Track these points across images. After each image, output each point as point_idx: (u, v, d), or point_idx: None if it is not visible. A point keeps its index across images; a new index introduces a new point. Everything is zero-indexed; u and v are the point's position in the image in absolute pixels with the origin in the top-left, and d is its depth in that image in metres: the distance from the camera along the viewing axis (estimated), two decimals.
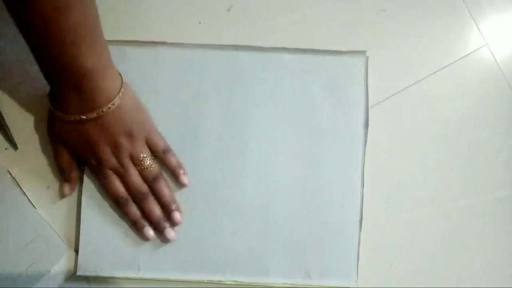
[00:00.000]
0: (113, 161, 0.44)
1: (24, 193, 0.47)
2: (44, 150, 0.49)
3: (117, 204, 0.46)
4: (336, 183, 0.49)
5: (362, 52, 0.50)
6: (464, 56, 0.53)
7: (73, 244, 0.48)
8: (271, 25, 0.51)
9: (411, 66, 0.52)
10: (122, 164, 0.44)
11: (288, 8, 0.52)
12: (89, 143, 0.43)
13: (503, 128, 0.52)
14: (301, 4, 0.52)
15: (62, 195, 0.48)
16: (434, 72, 0.52)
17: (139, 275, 0.47)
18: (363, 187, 0.49)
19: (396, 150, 0.51)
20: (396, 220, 0.50)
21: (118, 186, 0.45)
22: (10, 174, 0.48)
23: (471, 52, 0.53)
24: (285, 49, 0.50)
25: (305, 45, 0.50)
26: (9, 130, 0.48)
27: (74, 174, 0.47)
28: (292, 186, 0.49)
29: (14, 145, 0.48)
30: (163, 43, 0.49)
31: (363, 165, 0.49)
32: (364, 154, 0.49)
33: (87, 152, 0.44)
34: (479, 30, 0.53)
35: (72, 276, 0.47)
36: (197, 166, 0.48)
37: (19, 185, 0.48)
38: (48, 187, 0.48)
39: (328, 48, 0.50)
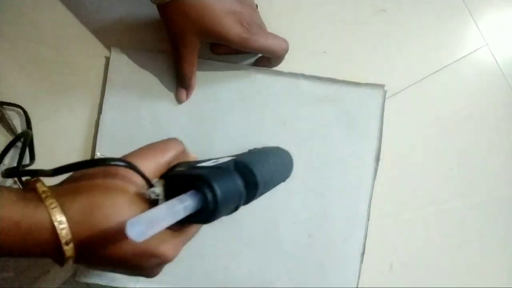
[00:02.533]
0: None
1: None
2: (45, 148, 0.49)
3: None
4: (341, 214, 0.49)
5: (381, 86, 0.50)
6: (464, 56, 0.53)
7: None
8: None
9: (411, 66, 0.52)
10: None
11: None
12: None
13: (503, 128, 0.52)
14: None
15: (179, 102, 0.49)
16: (434, 72, 0.52)
17: (138, 285, 0.47)
18: (368, 220, 0.49)
19: (396, 150, 0.51)
20: (396, 220, 0.50)
21: None
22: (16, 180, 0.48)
23: (471, 52, 0.53)
24: (303, 76, 0.49)
25: (324, 73, 0.50)
26: (14, 127, 0.48)
27: (194, 81, 0.48)
28: (298, 212, 0.49)
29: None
30: None
31: (371, 199, 0.49)
32: (372, 188, 0.49)
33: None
34: (479, 30, 0.53)
35: (72, 279, 0.47)
36: None
37: (19, 185, 0.48)
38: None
39: (346, 78, 0.50)
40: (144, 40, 0.50)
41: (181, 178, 0.28)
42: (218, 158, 0.34)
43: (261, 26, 0.46)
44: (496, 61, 0.53)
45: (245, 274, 0.48)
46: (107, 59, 0.49)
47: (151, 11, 0.49)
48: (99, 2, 0.50)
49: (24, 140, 0.43)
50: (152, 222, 0.23)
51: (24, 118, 0.48)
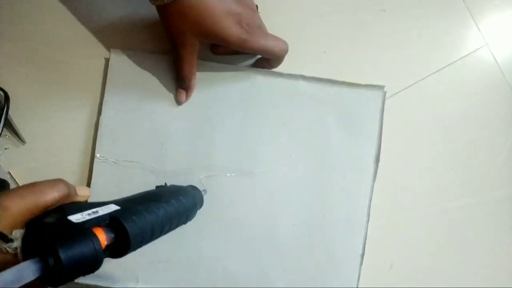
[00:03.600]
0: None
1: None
2: (45, 149, 0.49)
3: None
4: (341, 215, 0.49)
5: (381, 87, 0.50)
6: (464, 56, 0.53)
7: None
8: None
9: (411, 66, 0.52)
10: None
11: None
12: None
13: (503, 128, 0.52)
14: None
15: (179, 103, 0.49)
16: (434, 72, 0.52)
17: (137, 285, 0.47)
18: (368, 222, 0.49)
19: (396, 150, 0.51)
20: (396, 220, 0.50)
21: None
22: (10, 174, 0.48)
23: (471, 52, 0.53)
24: (302, 77, 0.49)
25: (323, 73, 0.50)
26: (15, 125, 0.48)
27: (194, 83, 0.48)
28: (298, 213, 0.49)
29: (21, 140, 0.48)
30: None
31: (370, 200, 0.49)
32: (372, 189, 0.49)
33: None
34: (479, 30, 0.53)
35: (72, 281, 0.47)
36: (205, 184, 0.48)
37: (19, 185, 0.47)
38: None
39: (345, 79, 0.50)
40: (144, 41, 0.50)
41: (37, 235, 0.27)
42: (102, 206, 0.33)
43: (260, 27, 0.46)
44: (496, 61, 0.53)
45: (244, 275, 0.48)
46: (107, 60, 0.49)
47: (150, 12, 0.49)
48: (99, 3, 0.50)
49: None
50: None
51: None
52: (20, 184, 0.48)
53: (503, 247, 0.51)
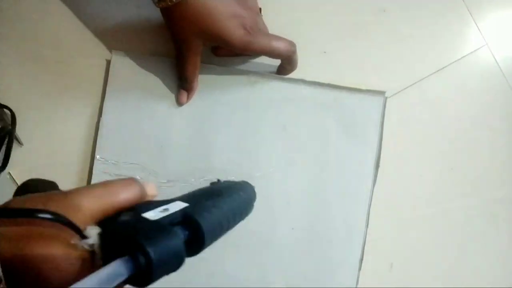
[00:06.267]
0: None
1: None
2: (45, 150, 0.48)
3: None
4: (340, 220, 0.49)
5: (382, 92, 0.50)
6: (464, 56, 0.53)
7: None
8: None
9: (411, 66, 0.52)
10: None
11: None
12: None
13: (503, 128, 0.52)
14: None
15: (179, 104, 0.49)
16: (434, 72, 0.52)
17: None
18: (367, 227, 0.49)
19: (396, 150, 0.51)
20: (396, 220, 0.51)
21: None
22: (10, 174, 0.48)
23: (471, 52, 0.53)
24: (303, 81, 0.49)
25: (323, 74, 0.50)
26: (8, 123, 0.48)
27: (196, 84, 0.48)
28: (297, 217, 0.49)
29: (19, 142, 0.48)
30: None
31: (370, 205, 0.49)
32: (372, 194, 0.49)
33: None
34: (479, 30, 0.53)
35: None
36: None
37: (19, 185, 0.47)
38: None
39: (345, 79, 0.50)
40: (145, 43, 0.50)
41: (117, 235, 0.27)
42: (169, 203, 0.33)
43: (263, 29, 0.46)
44: (496, 61, 0.53)
45: (244, 278, 0.48)
46: (108, 62, 0.49)
47: (152, 14, 0.49)
48: (100, 4, 0.50)
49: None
50: None
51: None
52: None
53: (503, 247, 0.51)
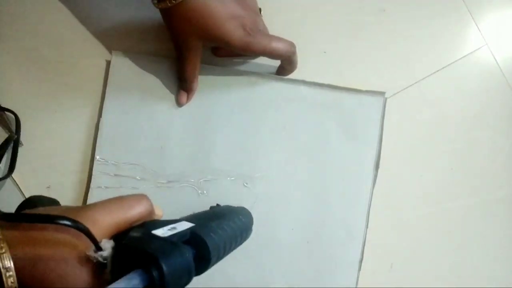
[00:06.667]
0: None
1: (23, 193, 0.47)
2: (44, 150, 0.48)
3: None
4: (340, 221, 0.49)
5: (381, 93, 0.50)
6: (464, 56, 0.53)
7: None
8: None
9: (411, 66, 0.52)
10: None
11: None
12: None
13: (503, 128, 0.52)
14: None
15: (179, 104, 0.49)
16: (434, 72, 0.52)
17: None
18: (367, 228, 0.49)
19: (396, 150, 0.51)
20: (396, 220, 0.51)
21: None
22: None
23: (471, 52, 0.53)
24: (303, 82, 0.49)
25: (323, 73, 0.50)
26: (10, 127, 0.48)
27: (195, 85, 0.48)
28: (297, 218, 0.48)
29: (19, 142, 0.48)
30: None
31: (370, 206, 0.49)
32: (372, 195, 0.49)
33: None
34: (479, 30, 0.53)
35: None
36: (205, 188, 0.48)
37: (18, 186, 0.47)
38: (48, 187, 0.48)
39: (345, 79, 0.50)
40: (145, 43, 0.50)
41: (131, 249, 0.28)
42: (176, 222, 0.33)
43: (264, 30, 0.46)
44: (496, 61, 0.53)
45: (243, 279, 0.48)
46: (108, 63, 0.49)
47: (152, 15, 0.49)
48: (100, 5, 0.50)
49: (4, 143, 0.44)
50: None
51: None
52: (21, 186, 0.48)
53: (503, 247, 0.51)
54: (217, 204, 0.45)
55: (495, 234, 0.51)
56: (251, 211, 0.48)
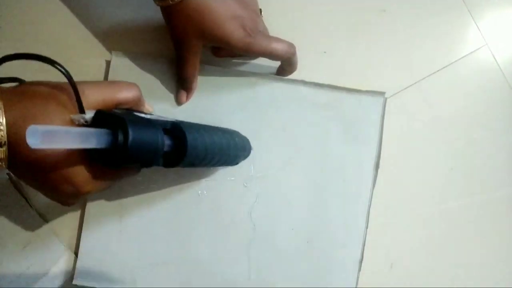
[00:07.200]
0: None
1: (23, 193, 0.47)
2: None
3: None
4: (340, 221, 0.49)
5: (381, 93, 0.49)
6: (464, 56, 0.53)
7: (73, 246, 0.47)
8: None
9: (411, 66, 0.52)
10: None
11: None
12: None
13: (503, 128, 0.52)
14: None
15: (179, 103, 0.49)
16: (434, 72, 0.52)
17: (135, 287, 0.47)
18: (367, 228, 0.49)
19: (396, 150, 0.51)
20: (396, 220, 0.51)
21: None
22: (9, 175, 0.48)
23: (471, 52, 0.53)
24: (303, 82, 0.49)
25: (323, 74, 0.50)
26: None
27: (195, 85, 0.48)
28: (297, 218, 0.48)
29: None
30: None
31: (369, 206, 0.49)
32: (371, 196, 0.49)
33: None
34: (479, 30, 0.53)
35: (70, 282, 0.47)
36: (205, 188, 0.48)
37: (18, 186, 0.47)
38: None
39: (345, 80, 0.50)
40: (145, 44, 0.50)
41: (107, 116, 0.30)
42: (163, 117, 0.35)
43: (264, 31, 0.46)
44: (496, 61, 0.53)
45: (242, 279, 0.48)
46: (108, 63, 0.49)
47: (152, 15, 0.49)
48: (100, 5, 0.50)
49: None
50: (51, 135, 0.24)
51: None
52: (20, 184, 0.48)
53: (503, 247, 0.51)
54: (215, 127, 0.44)
55: (495, 234, 0.51)
56: (251, 211, 0.48)
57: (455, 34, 0.53)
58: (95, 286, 0.46)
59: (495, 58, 0.53)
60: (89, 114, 0.30)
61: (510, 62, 0.53)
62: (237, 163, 0.45)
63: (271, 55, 0.45)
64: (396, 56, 0.52)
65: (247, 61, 0.51)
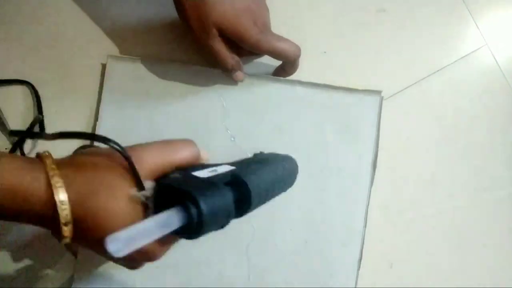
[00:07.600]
0: None
1: None
2: (44, 150, 0.48)
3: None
4: (338, 221, 0.48)
5: (378, 92, 0.49)
6: (464, 56, 0.53)
7: (73, 246, 0.47)
8: None
9: (411, 66, 0.52)
10: None
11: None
12: None
13: (503, 128, 0.52)
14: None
15: (240, 80, 0.48)
16: (434, 72, 0.52)
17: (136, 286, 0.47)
18: (365, 227, 0.49)
19: (396, 150, 0.51)
20: (396, 220, 0.51)
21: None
22: None
23: (471, 52, 0.53)
24: (299, 82, 0.49)
25: (323, 73, 0.50)
26: (8, 125, 0.48)
27: (238, 59, 0.46)
28: (295, 219, 0.48)
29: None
30: (181, 63, 0.49)
31: (368, 206, 0.49)
32: (369, 195, 0.49)
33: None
34: (479, 30, 0.53)
35: (69, 285, 0.47)
36: None
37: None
38: None
39: (345, 79, 0.50)
40: (141, 47, 0.50)
41: (171, 189, 0.28)
42: (218, 166, 0.33)
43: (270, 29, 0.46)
44: (496, 61, 0.53)
45: (241, 280, 0.48)
46: (104, 66, 0.48)
47: (149, 18, 0.49)
48: (96, 8, 0.50)
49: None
50: (131, 240, 0.23)
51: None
52: None
53: (502, 247, 0.51)
54: (261, 152, 0.43)
55: (495, 234, 0.51)
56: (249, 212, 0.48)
57: (455, 34, 0.53)
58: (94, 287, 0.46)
59: (495, 58, 0.53)
60: (148, 189, 0.29)
61: (510, 62, 0.53)
62: (289, 187, 0.45)
63: (279, 55, 0.44)
64: (395, 56, 0.52)
65: (244, 62, 0.51)
